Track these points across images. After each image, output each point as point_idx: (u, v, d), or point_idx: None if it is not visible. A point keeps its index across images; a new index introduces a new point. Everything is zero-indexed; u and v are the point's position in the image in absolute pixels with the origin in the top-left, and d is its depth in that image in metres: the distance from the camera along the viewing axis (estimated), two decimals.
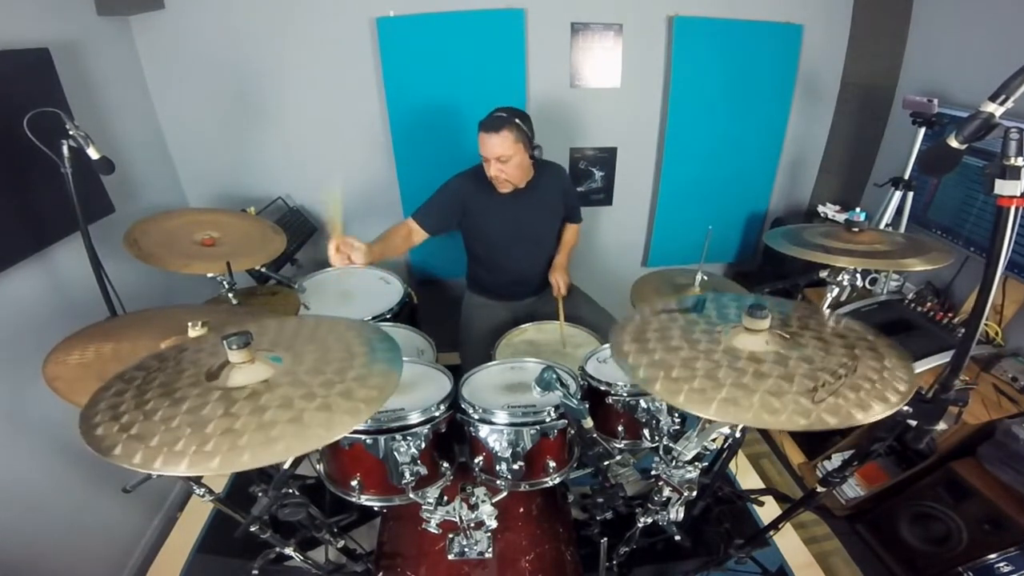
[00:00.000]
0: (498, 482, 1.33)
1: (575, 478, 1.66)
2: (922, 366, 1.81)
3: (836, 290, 1.32)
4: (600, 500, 1.36)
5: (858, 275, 1.30)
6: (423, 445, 1.24)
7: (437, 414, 1.25)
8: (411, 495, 1.24)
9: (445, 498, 1.33)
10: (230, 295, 1.56)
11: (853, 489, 2.06)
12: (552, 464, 1.33)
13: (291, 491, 1.15)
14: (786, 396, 0.82)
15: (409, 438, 1.21)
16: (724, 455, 1.50)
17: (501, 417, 1.27)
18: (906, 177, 2.10)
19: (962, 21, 2.07)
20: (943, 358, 1.82)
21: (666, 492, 1.26)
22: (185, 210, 2.08)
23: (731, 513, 1.82)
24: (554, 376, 1.11)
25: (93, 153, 1.34)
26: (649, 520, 1.36)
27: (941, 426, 0.91)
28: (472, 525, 1.33)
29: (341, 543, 1.44)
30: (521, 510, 1.61)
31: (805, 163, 2.76)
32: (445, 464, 1.32)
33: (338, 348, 1.01)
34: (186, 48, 2.09)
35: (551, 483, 1.36)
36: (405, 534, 1.54)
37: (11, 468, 1.47)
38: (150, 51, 2.08)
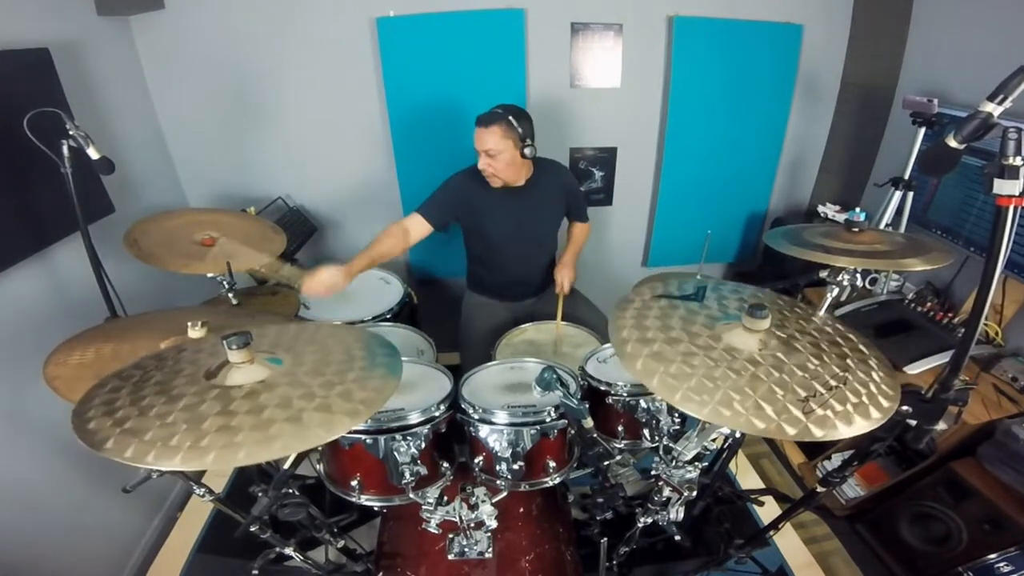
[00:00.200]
0: (498, 482, 1.34)
1: (575, 478, 1.66)
2: (922, 366, 1.81)
3: (836, 290, 1.32)
4: (600, 500, 1.37)
5: (858, 275, 1.30)
6: (423, 445, 1.24)
7: (437, 414, 1.25)
8: (411, 495, 1.24)
9: (445, 498, 1.33)
10: (230, 295, 1.56)
11: (853, 489, 2.06)
12: (552, 464, 1.33)
13: (291, 491, 1.15)
14: (779, 404, 0.82)
15: (409, 438, 1.21)
16: (724, 455, 1.50)
17: (501, 417, 1.27)
18: (906, 177, 2.10)
19: (962, 21, 2.07)
20: (943, 358, 1.82)
21: (666, 492, 1.26)
22: (185, 210, 2.08)
23: (731, 513, 1.82)
24: (554, 376, 1.11)
25: (93, 153, 1.34)
26: (649, 520, 1.36)
27: (941, 426, 0.91)
28: (472, 525, 1.33)
29: (341, 543, 1.44)
30: (521, 510, 1.61)
31: (805, 163, 2.76)
32: (445, 464, 1.32)
33: (338, 351, 1.01)
34: (186, 48, 2.09)
35: (551, 483, 1.36)
36: (405, 534, 1.54)
37: (11, 468, 1.47)
38: (150, 51, 2.08)
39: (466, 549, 1.46)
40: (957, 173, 1.88)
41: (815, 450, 2.29)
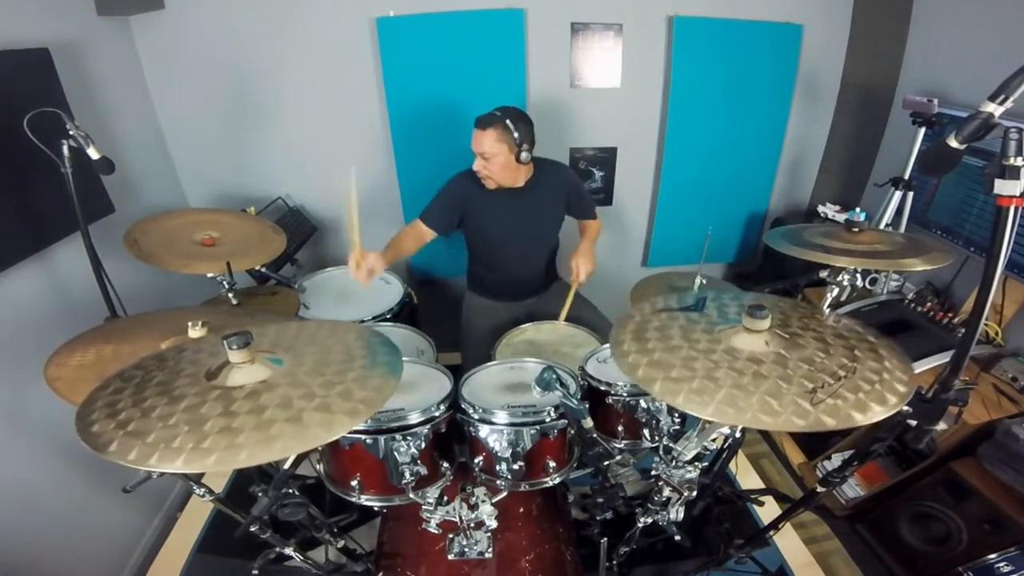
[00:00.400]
0: (498, 482, 1.33)
1: (575, 478, 1.66)
2: (922, 366, 1.81)
3: (836, 290, 1.32)
4: (600, 500, 1.37)
5: (858, 275, 1.30)
6: (423, 445, 1.24)
7: (437, 414, 1.25)
8: (411, 495, 1.24)
9: (445, 498, 1.33)
10: (230, 295, 1.56)
11: (853, 489, 2.06)
12: (552, 464, 1.33)
13: (291, 491, 1.15)
14: (785, 398, 0.82)
15: (409, 438, 1.21)
16: (724, 455, 1.50)
17: (501, 417, 1.27)
18: (906, 177, 2.10)
19: (962, 21, 2.07)
20: (943, 358, 1.82)
21: (666, 492, 1.26)
22: (185, 210, 2.08)
23: (731, 513, 1.82)
24: (554, 376, 1.11)
25: (93, 153, 1.34)
26: (649, 520, 1.36)
27: (941, 426, 0.91)
28: (472, 525, 1.33)
29: (341, 543, 1.44)
30: (521, 510, 1.61)
31: (805, 163, 2.75)
32: (445, 464, 1.32)
33: (338, 350, 1.01)
34: (186, 48, 2.09)
35: (551, 483, 1.36)
36: (405, 534, 1.54)
37: (11, 468, 1.47)
38: (150, 51, 2.08)
39: (466, 549, 1.46)
40: (957, 173, 1.88)
41: (815, 450, 2.28)
